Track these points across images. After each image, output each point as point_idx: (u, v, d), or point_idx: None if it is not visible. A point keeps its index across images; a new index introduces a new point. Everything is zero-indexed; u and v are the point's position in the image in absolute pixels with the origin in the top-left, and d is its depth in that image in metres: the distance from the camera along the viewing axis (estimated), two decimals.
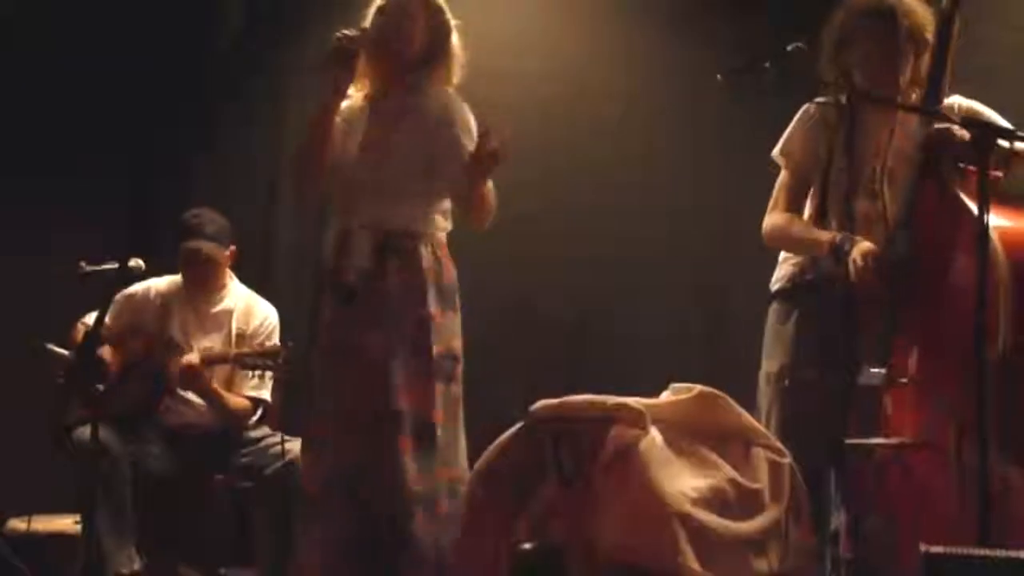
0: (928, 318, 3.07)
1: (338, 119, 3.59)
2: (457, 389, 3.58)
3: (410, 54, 3.59)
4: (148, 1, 5.47)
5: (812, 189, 3.49)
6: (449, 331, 3.57)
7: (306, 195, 3.74)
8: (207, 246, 4.38)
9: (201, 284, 4.46)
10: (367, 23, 3.56)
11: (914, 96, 3.39)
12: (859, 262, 3.17)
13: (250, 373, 4.22)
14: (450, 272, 3.61)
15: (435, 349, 3.51)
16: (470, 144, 3.45)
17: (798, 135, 3.53)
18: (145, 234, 5.46)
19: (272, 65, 5.48)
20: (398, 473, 3.41)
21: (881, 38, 3.36)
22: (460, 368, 3.60)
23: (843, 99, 3.40)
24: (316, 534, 3.46)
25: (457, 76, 3.65)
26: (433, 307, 3.52)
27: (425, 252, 3.55)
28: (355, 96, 3.67)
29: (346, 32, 3.48)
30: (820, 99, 3.49)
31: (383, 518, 3.42)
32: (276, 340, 4.40)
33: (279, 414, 4.46)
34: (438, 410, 3.50)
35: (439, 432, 3.48)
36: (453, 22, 3.64)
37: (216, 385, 4.28)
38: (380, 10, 3.58)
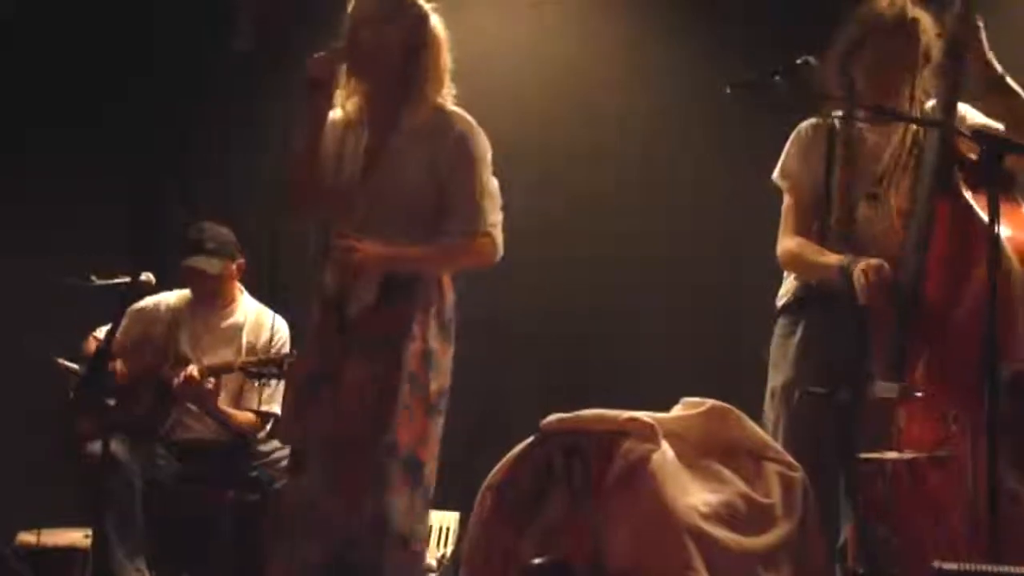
0: (942, 331, 3.05)
1: (328, 137, 3.39)
2: (440, 425, 3.43)
3: (391, 60, 3.32)
4: (149, 3, 5.47)
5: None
6: (447, 367, 3.42)
7: (304, 220, 3.57)
8: (206, 263, 4.36)
9: (207, 300, 4.45)
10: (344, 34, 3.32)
11: (913, 109, 3.38)
12: (863, 280, 3.17)
13: (257, 383, 4.21)
14: (450, 303, 3.44)
15: (433, 386, 3.37)
16: (486, 174, 3.37)
17: (794, 156, 3.51)
18: (145, 235, 5.47)
19: (272, 66, 5.46)
20: (384, 512, 3.26)
21: (898, 49, 3.35)
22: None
23: (836, 118, 3.39)
24: (284, 555, 3.31)
25: (447, 73, 3.37)
26: (434, 342, 3.38)
27: (428, 284, 3.38)
28: (349, 109, 3.43)
29: (319, 54, 3.26)
30: (813, 120, 3.48)
31: (359, 555, 3.26)
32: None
33: None
34: (428, 448, 3.36)
35: (426, 471, 3.35)
36: (431, 10, 3.35)
37: (221, 404, 4.28)
38: (350, 20, 3.31)
